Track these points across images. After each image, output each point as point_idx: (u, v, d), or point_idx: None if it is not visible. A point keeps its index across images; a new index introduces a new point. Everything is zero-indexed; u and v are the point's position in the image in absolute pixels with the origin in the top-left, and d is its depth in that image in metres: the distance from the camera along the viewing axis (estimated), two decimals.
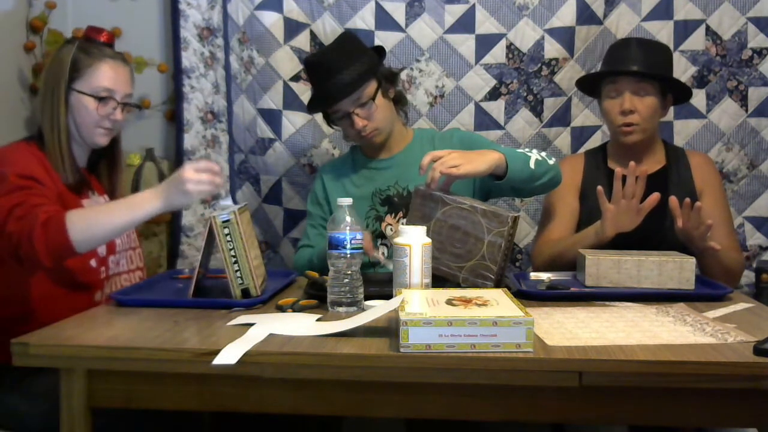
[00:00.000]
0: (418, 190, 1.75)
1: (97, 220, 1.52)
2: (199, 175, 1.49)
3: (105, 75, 1.71)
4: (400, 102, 2.12)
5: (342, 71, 1.95)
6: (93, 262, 1.72)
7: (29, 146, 1.71)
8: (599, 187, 1.80)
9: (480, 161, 1.70)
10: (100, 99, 1.71)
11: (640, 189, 1.76)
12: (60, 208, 1.55)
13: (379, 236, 2.04)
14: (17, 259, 1.51)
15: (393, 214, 2.04)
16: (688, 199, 1.74)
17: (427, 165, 1.71)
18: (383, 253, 2.01)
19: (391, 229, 2.01)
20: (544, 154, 1.84)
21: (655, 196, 1.76)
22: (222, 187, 1.51)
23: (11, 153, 1.68)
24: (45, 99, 1.72)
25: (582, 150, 2.35)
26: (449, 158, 1.68)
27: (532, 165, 1.78)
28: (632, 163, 1.78)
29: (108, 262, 1.77)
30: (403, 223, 1.75)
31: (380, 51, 2.10)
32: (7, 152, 1.68)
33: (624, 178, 1.78)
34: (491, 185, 1.90)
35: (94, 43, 1.74)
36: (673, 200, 1.75)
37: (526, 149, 1.85)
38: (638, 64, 1.95)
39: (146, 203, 1.52)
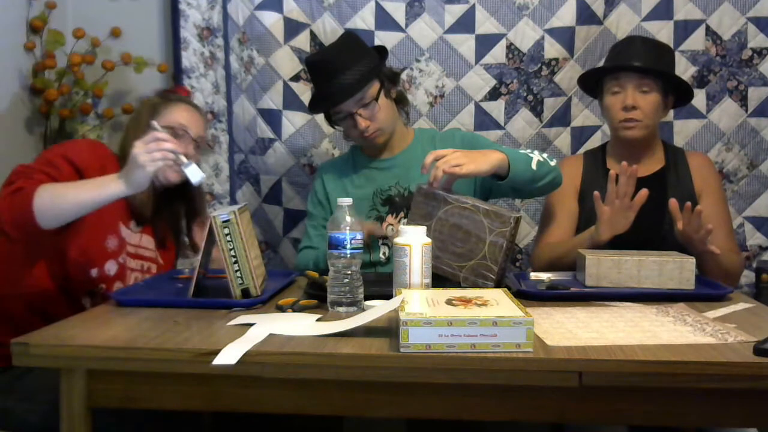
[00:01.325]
0: (420, 189, 1.75)
1: (64, 195, 1.55)
2: (147, 146, 1.54)
3: (181, 114, 1.85)
4: (401, 102, 2.12)
5: (345, 72, 1.95)
6: (94, 272, 1.72)
7: (105, 149, 1.82)
8: (596, 193, 1.80)
9: (483, 161, 1.71)
10: (176, 135, 1.77)
11: (630, 186, 1.76)
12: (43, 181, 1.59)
13: (380, 236, 2.04)
14: None
15: (394, 214, 2.03)
16: (688, 203, 1.73)
17: (429, 164, 1.71)
18: (390, 227, 2.00)
19: (392, 230, 2.01)
20: (545, 155, 1.85)
21: (644, 192, 1.76)
22: (180, 153, 1.60)
23: (80, 141, 1.82)
24: (129, 133, 1.82)
25: (582, 150, 2.35)
26: (452, 157, 1.68)
27: (533, 166, 1.79)
28: (624, 163, 1.78)
29: (113, 287, 1.76)
30: (404, 224, 1.75)
31: (382, 51, 2.09)
32: (78, 141, 1.82)
33: (618, 180, 1.78)
34: (492, 185, 1.90)
35: (174, 93, 1.96)
36: (673, 203, 1.75)
37: (528, 150, 1.85)
38: (642, 60, 1.95)
39: (111, 183, 1.56)
